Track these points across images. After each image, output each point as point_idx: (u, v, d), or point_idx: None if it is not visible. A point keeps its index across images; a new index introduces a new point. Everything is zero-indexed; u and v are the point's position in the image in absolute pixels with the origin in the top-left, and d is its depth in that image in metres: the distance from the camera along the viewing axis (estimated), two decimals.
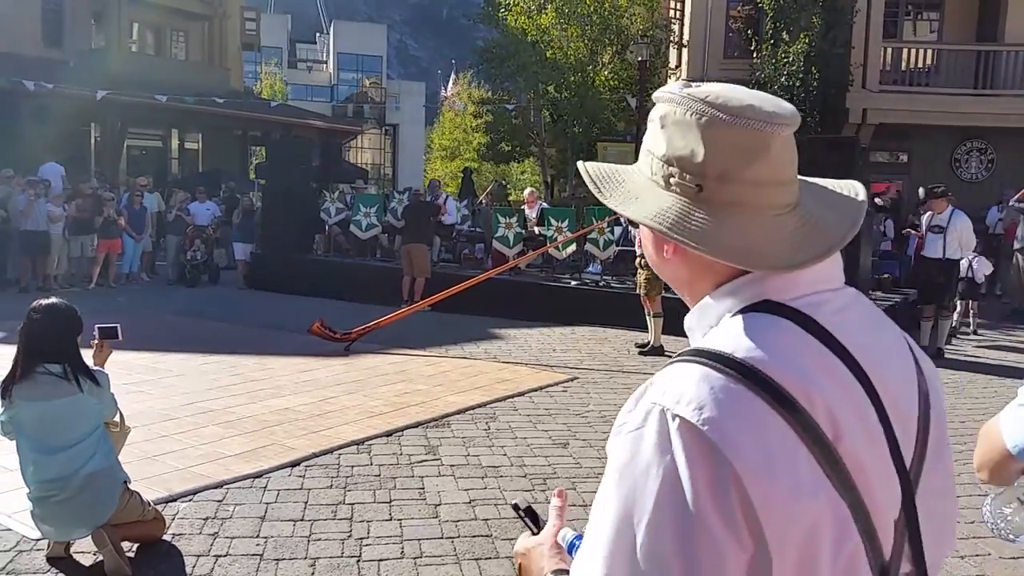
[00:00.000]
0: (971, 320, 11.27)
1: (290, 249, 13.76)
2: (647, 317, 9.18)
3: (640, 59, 18.35)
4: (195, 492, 4.56)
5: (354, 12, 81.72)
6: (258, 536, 4.05)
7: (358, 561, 3.83)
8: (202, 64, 28.37)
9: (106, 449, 3.76)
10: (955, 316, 11.18)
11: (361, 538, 4.07)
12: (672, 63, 23.60)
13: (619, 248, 12.21)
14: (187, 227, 14.68)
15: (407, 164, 50.40)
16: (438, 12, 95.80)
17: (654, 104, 1.02)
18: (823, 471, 0.86)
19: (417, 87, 55.69)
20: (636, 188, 1.01)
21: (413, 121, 51.83)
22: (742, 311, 0.94)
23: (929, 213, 9.66)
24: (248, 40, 32.13)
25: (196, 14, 28.00)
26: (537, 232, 12.64)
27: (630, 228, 10.12)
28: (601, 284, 11.56)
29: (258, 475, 4.85)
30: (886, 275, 12.15)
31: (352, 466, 5.10)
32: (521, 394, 7.07)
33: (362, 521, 4.27)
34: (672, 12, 23.09)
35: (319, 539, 4.04)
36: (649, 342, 9.14)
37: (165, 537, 3.97)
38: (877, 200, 15.06)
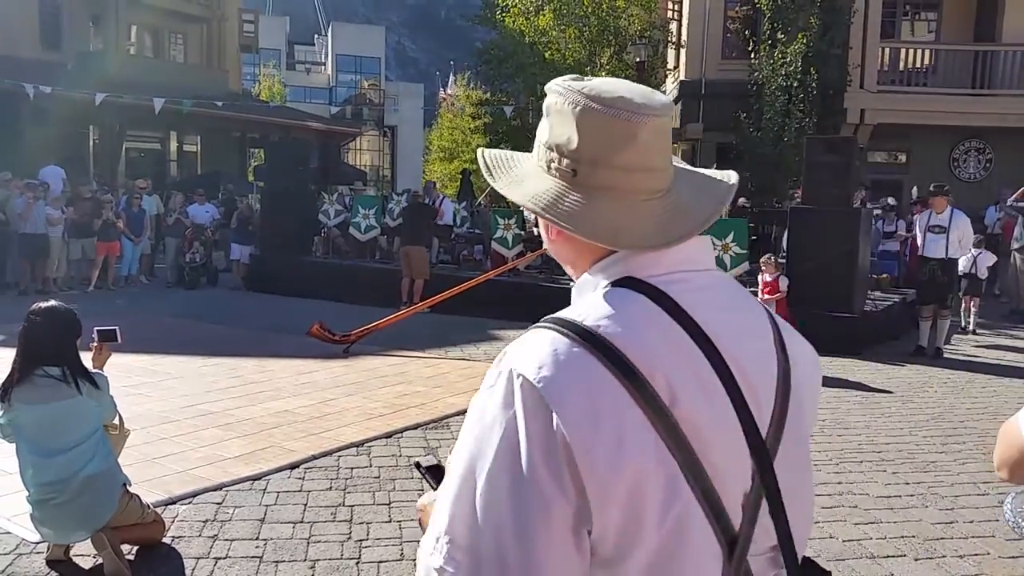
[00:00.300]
0: (971, 318, 11.29)
1: (289, 251, 13.75)
2: None
3: (638, 60, 18.35)
4: (194, 494, 4.56)
5: (352, 14, 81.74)
6: (257, 538, 4.05)
7: (357, 563, 3.83)
8: (200, 66, 28.36)
9: (105, 452, 3.75)
10: (972, 313, 11.24)
11: (360, 540, 4.07)
12: (670, 64, 23.60)
13: None
14: (186, 229, 14.68)
15: (406, 166, 50.39)
16: (436, 13, 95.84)
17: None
18: (656, 432, 0.91)
19: (415, 88, 55.67)
20: (524, 173, 1.10)
21: (412, 123, 51.80)
22: (608, 286, 1.02)
23: (927, 212, 9.66)
24: (246, 42, 32.11)
25: (194, 16, 28.00)
26: (536, 233, 12.64)
27: None
28: None
29: (257, 477, 4.85)
30: (884, 275, 12.14)
31: (352, 468, 5.10)
32: None
33: (362, 523, 4.27)
34: (670, 13, 23.09)
35: (319, 541, 4.04)
36: None
37: (165, 539, 3.97)
38: (891, 200, 15.05)
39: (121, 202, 14.94)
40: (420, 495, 4.78)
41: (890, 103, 17.97)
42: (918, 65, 19.31)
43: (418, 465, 1.31)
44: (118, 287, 13.83)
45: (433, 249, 13.56)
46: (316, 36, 65.00)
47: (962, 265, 10.74)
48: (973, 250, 10.77)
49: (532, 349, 0.95)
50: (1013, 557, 4.08)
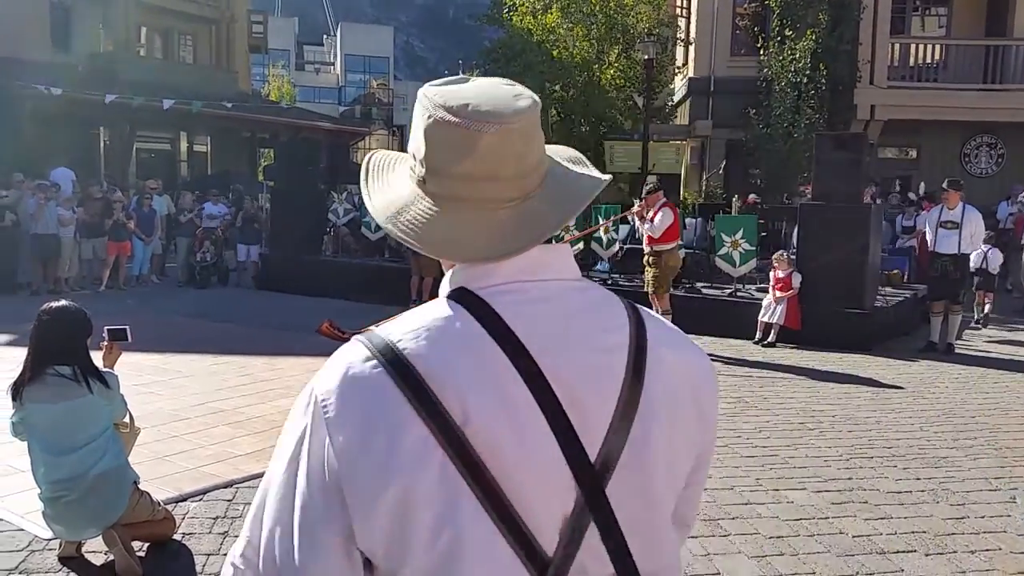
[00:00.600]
0: (985, 311, 11.25)
1: (299, 250, 13.79)
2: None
3: (646, 57, 18.27)
4: (205, 492, 4.58)
5: (360, 14, 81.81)
6: None
7: None
8: (210, 67, 28.45)
9: (116, 450, 3.78)
10: (986, 307, 11.25)
11: None
12: (679, 61, 23.54)
13: (627, 246, 12.20)
14: (196, 229, 14.74)
15: None
16: (444, 13, 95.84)
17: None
18: (443, 451, 0.89)
19: None
20: (396, 179, 1.06)
21: None
22: (441, 298, 1.01)
23: (938, 208, 9.60)
24: (255, 43, 32.19)
25: (203, 17, 28.07)
26: None
27: (638, 226, 10.10)
28: (609, 282, 11.55)
29: None
30: (895, 271, 12.08)
31: None
32: None
33: None
34: (678, 10, 23.02)
35: None
36: None
37: (175, 537, 3.99)
38: (910, 195, 14.97)
39: (132, 202, 15.02)
40: None
41: (900, 99, 17.88)
42: (928, 60, 19.22)
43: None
44: (129, 287, 13.89)
45: None
46: (325, 36, 65.16)
47: (974, 261, 10.69)
48: (984, 246, 10.73)
49: (331, 363, 0.97)
50: None
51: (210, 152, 28.51)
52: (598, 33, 22.08)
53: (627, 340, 1.00)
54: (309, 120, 29.60)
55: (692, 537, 4.12)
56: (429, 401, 0.90)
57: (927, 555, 4.00)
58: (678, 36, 22.62)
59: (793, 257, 10.16)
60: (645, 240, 9.25)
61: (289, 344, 9.07)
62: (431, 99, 0.99)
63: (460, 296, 0.98)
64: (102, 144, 24.61)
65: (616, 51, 22.57)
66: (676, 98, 24.41)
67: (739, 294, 10.59)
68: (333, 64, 59.39)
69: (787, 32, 17.45)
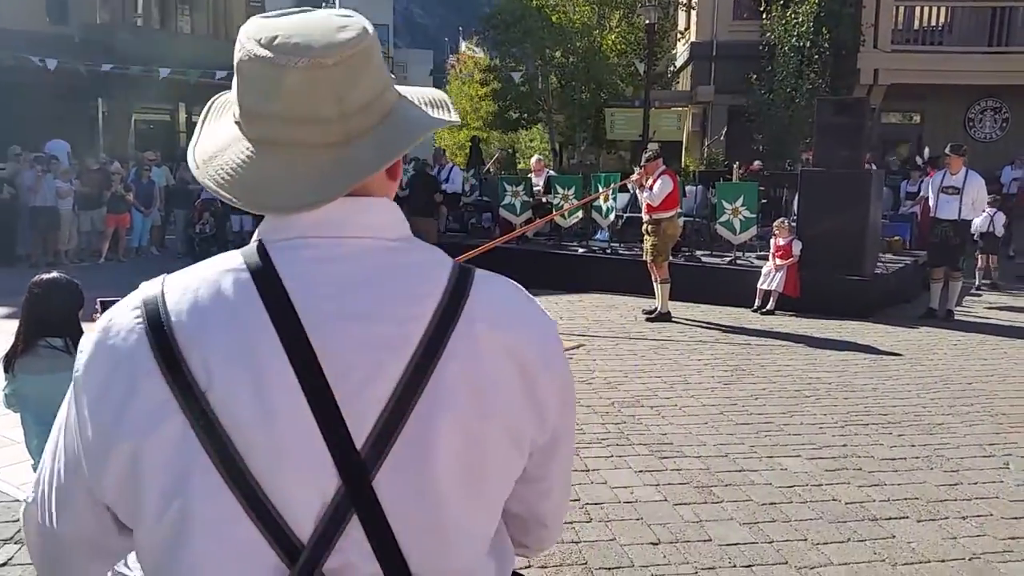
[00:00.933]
0: (993, 275, 11.27)
1: None
2: (654, 283, 9.15)
3: (648, 22, 18.08)
4: None
5: None
6: None
7: None
8: (208, 37, 28.19)
9: None
10: (993, 273, 11.33)
11: None
12: (681, 25, 23.29)
13: (627, 215, 12.15)
14: (195, 200, 14.70)
15: None
16: None
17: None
18: (185, 416, 0.84)
19: (424, 55, 55.12)
20: (224, 123, 0.96)
21: None
22: (241, 249, 0.94)
23: (941, 173, 9.52)
24: (253, 11, 31.85)
25: None
26: (544, 200, 12.58)
27: (637, 194, 10.04)
28: (608, 251, 11.52)
29: None
30: (896, 237, 12.01)
31: None
32: None
33: None
34: None
35: None
36: (656, 308, 9.11)
37: None
38: (917, 159, 14.85)
39: (131, 174, 14.97)
40: None
41: (904, 63, 17.68)
42: (933, 23, 18.96)
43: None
44: (128, 258, 13.90)
45: (441, 218, 13.51)
46: (324, 3, 64.47)
47: (979, 224, 10.65)
48: (988, 209, 10.67)
49: (106, 312, 0.95)
50: (1016, 518, 4.08)
51: None
52: None
53: (429, 312, 0.89)
54: None
55: (684, 504, 4.15)
56: (173, 360, 0.84)
57: (919, 521, 4.01)
58: (680, 0, 22.34)
59: (794, 224, 10.11)
60: (644, 208, 9.20)
61: None
62: (245, 31, 0.91)
63: (251, 249, 0.91)
64: (100, 116, 24.49)
65: (617, 16, 22.34)
66: (678, 64, 24.18)
67: (739, 262, 10.56)
68: None
69: None
